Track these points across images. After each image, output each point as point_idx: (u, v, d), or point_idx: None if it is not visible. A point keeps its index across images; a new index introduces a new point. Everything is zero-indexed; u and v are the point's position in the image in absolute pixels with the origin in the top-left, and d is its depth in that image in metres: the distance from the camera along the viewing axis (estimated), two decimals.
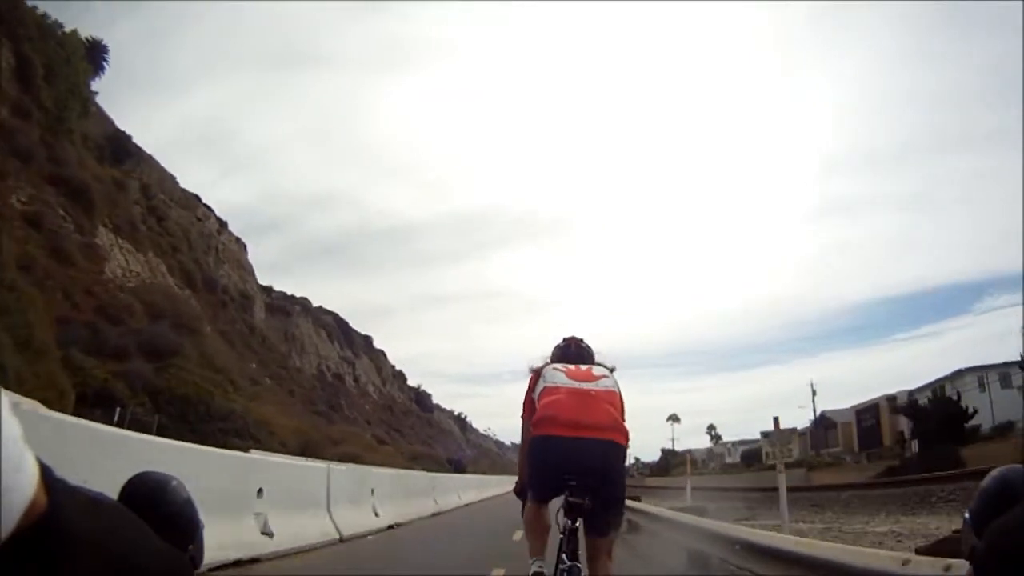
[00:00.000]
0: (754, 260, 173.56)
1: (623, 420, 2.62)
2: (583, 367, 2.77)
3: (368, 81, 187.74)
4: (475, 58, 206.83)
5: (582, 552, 2.53)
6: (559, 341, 3.01)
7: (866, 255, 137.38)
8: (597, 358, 2.92)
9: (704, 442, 70.31)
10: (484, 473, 48.28)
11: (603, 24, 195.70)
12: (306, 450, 19.27)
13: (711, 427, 70.27)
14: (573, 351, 2.93)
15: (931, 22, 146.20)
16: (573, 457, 2.45)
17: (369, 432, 44.55)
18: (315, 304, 60.86)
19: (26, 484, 0.45)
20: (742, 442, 54.83)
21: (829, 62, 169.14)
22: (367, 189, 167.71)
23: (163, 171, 41.27)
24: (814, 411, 43.13)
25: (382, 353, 73.99)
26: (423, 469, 26.33)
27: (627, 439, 2.57)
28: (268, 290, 56.38)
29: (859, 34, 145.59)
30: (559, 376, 2.70)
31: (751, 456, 43.04)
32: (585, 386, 2.64)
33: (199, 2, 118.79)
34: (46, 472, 0.48)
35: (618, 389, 2.72)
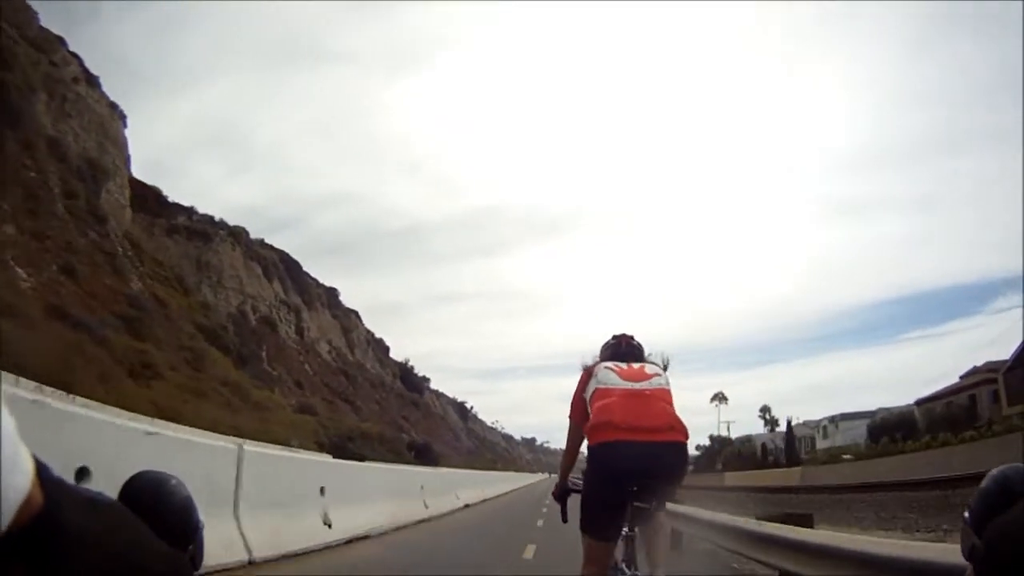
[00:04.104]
0: (763, 260, 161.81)
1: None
2: (635, 365, 2.62)
3: (379, 79, 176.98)
4: (486, 56, 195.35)
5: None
6: (608, 339, 2.82)
7: (874, 255, 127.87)
8: (650, 356, 2.75)
9: (757, 428, 55.37)
10: (487, 469, 37.56)
11: (616, 24, 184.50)
12: None
13: (765, 408, 55.23)
14: (624, 349, 2.75)
15: (940, 21, 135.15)
16: (638, 462, 2.31)
17: (295, 397, 30.82)
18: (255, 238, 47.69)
19: (21, 481, 0.43)
20: (843, 416, 39.41)
21: (837, 63, 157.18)
22: (378, 187, 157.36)
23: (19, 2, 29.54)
24: None
25: (355, 314, 60.00)
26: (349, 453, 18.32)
27: (687, 436, 2.46)
28: (190, 210, 44.47)
29: (868, 33, 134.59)
30: (612, 376, 2.56)
31: (885, 429, 28.02)
32: (638, 386, 2.50)
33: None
34: (42, 469, 0.46)
35: (669, 386, 2.59)
